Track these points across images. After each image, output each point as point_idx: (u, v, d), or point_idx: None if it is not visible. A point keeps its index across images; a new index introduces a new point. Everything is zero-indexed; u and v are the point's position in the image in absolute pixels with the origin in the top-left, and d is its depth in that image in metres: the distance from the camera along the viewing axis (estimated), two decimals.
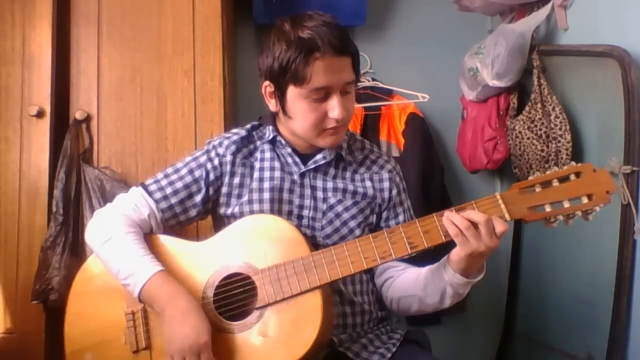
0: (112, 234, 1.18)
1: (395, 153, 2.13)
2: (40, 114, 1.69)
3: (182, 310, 1.08)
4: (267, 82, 1.23)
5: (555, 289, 1.98)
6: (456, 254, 1.07)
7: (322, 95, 1.17)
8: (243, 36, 2.32)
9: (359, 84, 1.95)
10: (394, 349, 1.19)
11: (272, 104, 1.25)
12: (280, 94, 1.20)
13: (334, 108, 1.17)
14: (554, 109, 1.83)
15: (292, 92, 1.18)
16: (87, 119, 1.74)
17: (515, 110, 2.04)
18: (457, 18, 2.30)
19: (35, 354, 1.61)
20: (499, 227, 1.05)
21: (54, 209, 1.63)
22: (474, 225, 1.04)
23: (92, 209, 1.64)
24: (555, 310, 1.97)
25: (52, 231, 1.62)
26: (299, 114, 1.19)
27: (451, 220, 1.06)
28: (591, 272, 1.78)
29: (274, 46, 1.18)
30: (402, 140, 2.15)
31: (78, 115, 1.73)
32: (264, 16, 2.17)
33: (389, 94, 2.18)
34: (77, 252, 1.63)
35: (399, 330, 1.28)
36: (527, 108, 1.92)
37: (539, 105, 1.87)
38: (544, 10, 1.94)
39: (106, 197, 1.62)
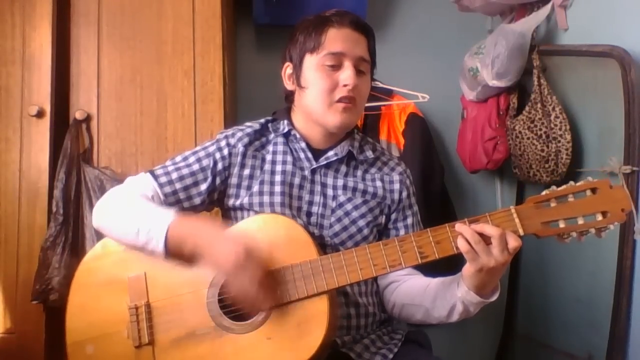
0: (121, 204, 1.17)
1: (395, 153, 2.13)
2: (40, 114, 1.69)
3: (212, 237, 1.05)
4: (287, 64, 1.28)
5: (556, 289, 1.98)
6: (467, 269, 1.05)
7: (336, 63, 1.21)
8: (243, 36, 2.32)
9: None
10: (395, 350, 1.18)
11: (289, 84, 1.29)
12: (297, 69, 1.25)
13: (346, 75, 1.20)
14: (554, 109, 1.83)
15: (307, 61, 1.23)
16: (87, 119, 1.74)
17: (515, 110, 2.04)
18: (457, 18, 2.31)
19: (35, 353, 1.61)
20: (512, 242, 1.02)
21: (54, 209, 1.63)
22: (486, 239, 1.02)
23: (92, 209, 1.63)
24: (556, 310, 1.97)
25: (52, 231, 1.62)
26: (312, 83, 1.22)
27: (462, 234, 1.03)
28: (591, 272, 1.78)
29: (297, 30, 1.26)
30: (402, 140, 2.15)
31: (78, 115, 1.72)
32: (264, 16, 2.17)
33: (389, 94, 2.19)
34: (77, 252, 1.63)
35: (400, 331, 1.27)
36: (527, 108, 1.92)
37: (539, 105, 1.87)
38: (544, 10, 1.94)
39: None
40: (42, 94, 1.71)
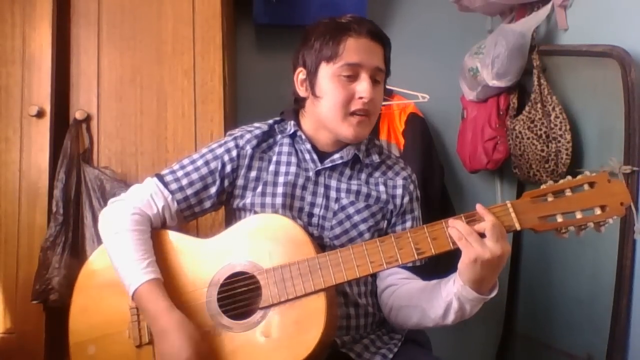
0: (118, 228, 1.18)
1: (395, 153, 2.13)
2: (40, 114, 1.69)
3: (162, 328, 1.07)
4: (299, 69, 1.26)
5: (556, 289, 1.98)
6: (462, 262, 1.03)
7: (352, 73, 1.19)
8: (243, 36, 2.32)
9: None
10: (395, 350, 1.19)
11: (302, 90, 1.27)
12: (311, 76, 1.23)
13: (363, 88, 1.18)
14: (554, 109, 1.83)
15: (323, 70, 1.21)
16: (87, 119, 1.74)
17: (515, 110, 2.04)
18: (457, 18, 2.31)
19: (35, 353, 1.61)
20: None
21: (54, 209, 1.63)
22: (481, 234, 1.02)
23: (92, 209, 1.64)
24: (556, 310, 1.97)
25: (52, 231, 1.62)
26: (327, 93, 1.21)
27: (454, 226, 1.04)
28: (591, 272, 1.78)
29: (312, 34, 1.24)
30: (402, 140, 2.15)
31: (78, 115, 1.72)
32: (264, 16, 2.17)
33: (389, 94, 2.19)
34: (77, 252, 1.63)
35: (400, 331, 1.27)
36: (527, 108, 1.92)
37: (539, 105, 1.87)
38: (544, 10, 1.94)
39: (106, 197, 1.62)
40: (42, 94, 1.71)
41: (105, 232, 1.21)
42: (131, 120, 1.76)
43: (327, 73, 1.21)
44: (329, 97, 1.20)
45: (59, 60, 1.74)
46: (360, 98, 1.19)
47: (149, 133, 1.76)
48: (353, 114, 1.20)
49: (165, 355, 1.06)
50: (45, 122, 1.70)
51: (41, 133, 1.70)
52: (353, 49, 1.19)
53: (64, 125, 1.73)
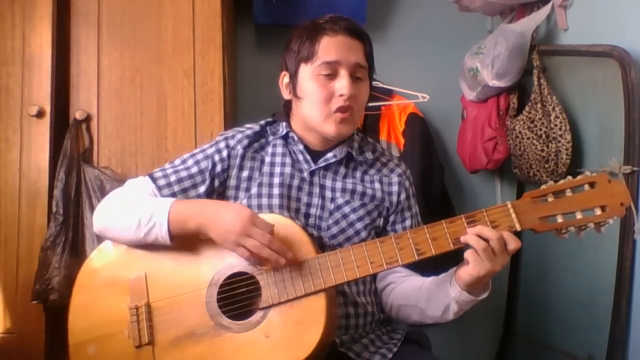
0: (121, 201, 1.20)
1: (395, 153, 2.13)
2: (40, 114, 1.70)
3: (214, 211, 1.11)
4: (283, 73, 1.28)
5: (556, 289, 1.98)
6: (468, 273, 1.04)
7: (331, 72, 1.20)
8: (243, 36, 2.32)
9: None
10: (395, 349, 1.18)
11: (286, 93, 1.28)
12: (293, 78, 1.24)
13: (342, 85, 1.19)
14: (554, 109, 1.83)
15: (303, 71, 1.22)
16: (87, 119, 1.74)
17: (515, 110, 2.04)
18: (457, 18, 2.30)
19: (35, 354, 1.61)
20: (512, 244, 1.02)
21: (54, 209, 1.64)
22: (485, 240, 1.02)
23: (92, 209, 1.64)
24: (556, 310, 1.97)
25: (52, 231, 1.62)
26: (308, 93, 1.22)
27: (467, 243, 1.04)
28: (591, 272, 1.78)
29: (291, 38, 1.25)
30: (402, 140, 2.15)
31: (78, 115, 1.73)
32: (263, 16, 2.17)
33: (389, 94, 2.18)
34: (77, 252, 1.63)
35: (400, 330, 1.27)
36: (527, 108, 1.92)
37: (539, 105, 1.87)
38: (544, 10, 1.94)
39: None
40: (42, 94, 1.71)
41: (108, 212, 1.21)
42: (131, 120, 1.76)
43: (306, 74, 1.21)
44: (310, 97, 1.21)
45: (59, 60, 1.75)
46: (341, 95, 1.19)
47: (149, 133, 1.76)
48: (335, 111, 1.20)
49: (228, 230, 1.07)
50: (45, 122, 1.71)
51: (41, 133, 1.70)
52: (329, 47, 1.19)
53: (64, 125, 1.73)
